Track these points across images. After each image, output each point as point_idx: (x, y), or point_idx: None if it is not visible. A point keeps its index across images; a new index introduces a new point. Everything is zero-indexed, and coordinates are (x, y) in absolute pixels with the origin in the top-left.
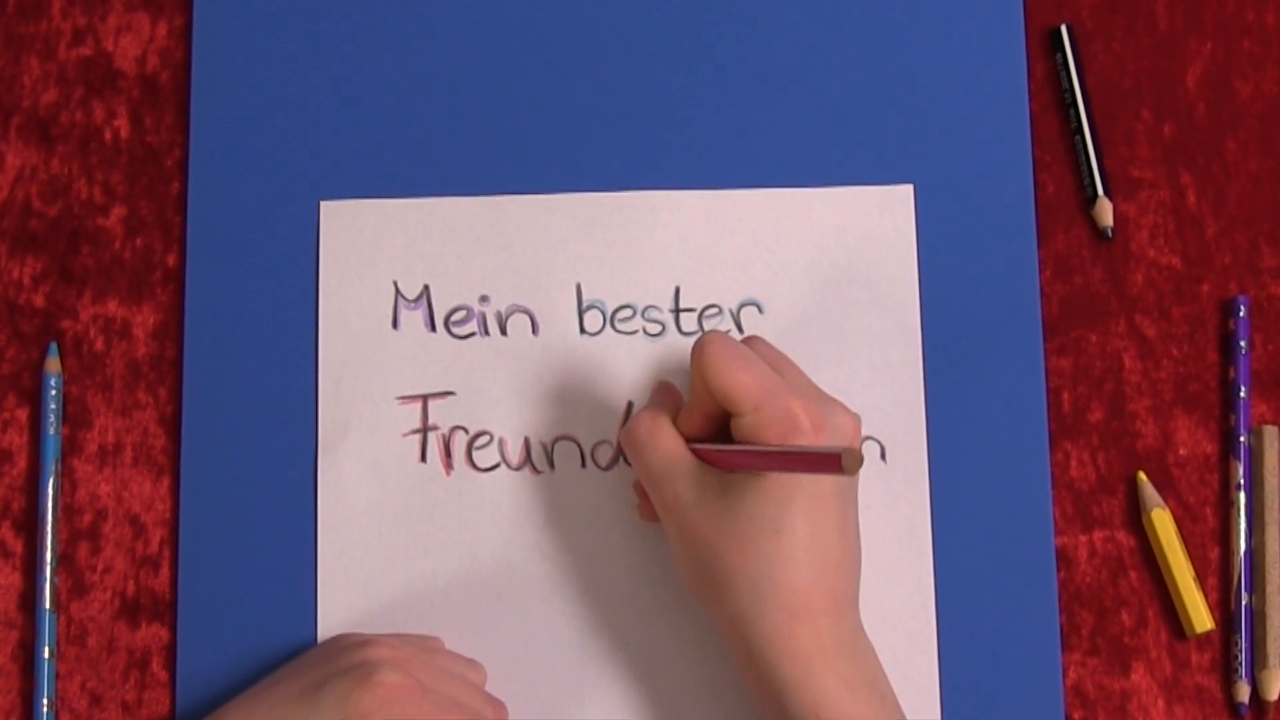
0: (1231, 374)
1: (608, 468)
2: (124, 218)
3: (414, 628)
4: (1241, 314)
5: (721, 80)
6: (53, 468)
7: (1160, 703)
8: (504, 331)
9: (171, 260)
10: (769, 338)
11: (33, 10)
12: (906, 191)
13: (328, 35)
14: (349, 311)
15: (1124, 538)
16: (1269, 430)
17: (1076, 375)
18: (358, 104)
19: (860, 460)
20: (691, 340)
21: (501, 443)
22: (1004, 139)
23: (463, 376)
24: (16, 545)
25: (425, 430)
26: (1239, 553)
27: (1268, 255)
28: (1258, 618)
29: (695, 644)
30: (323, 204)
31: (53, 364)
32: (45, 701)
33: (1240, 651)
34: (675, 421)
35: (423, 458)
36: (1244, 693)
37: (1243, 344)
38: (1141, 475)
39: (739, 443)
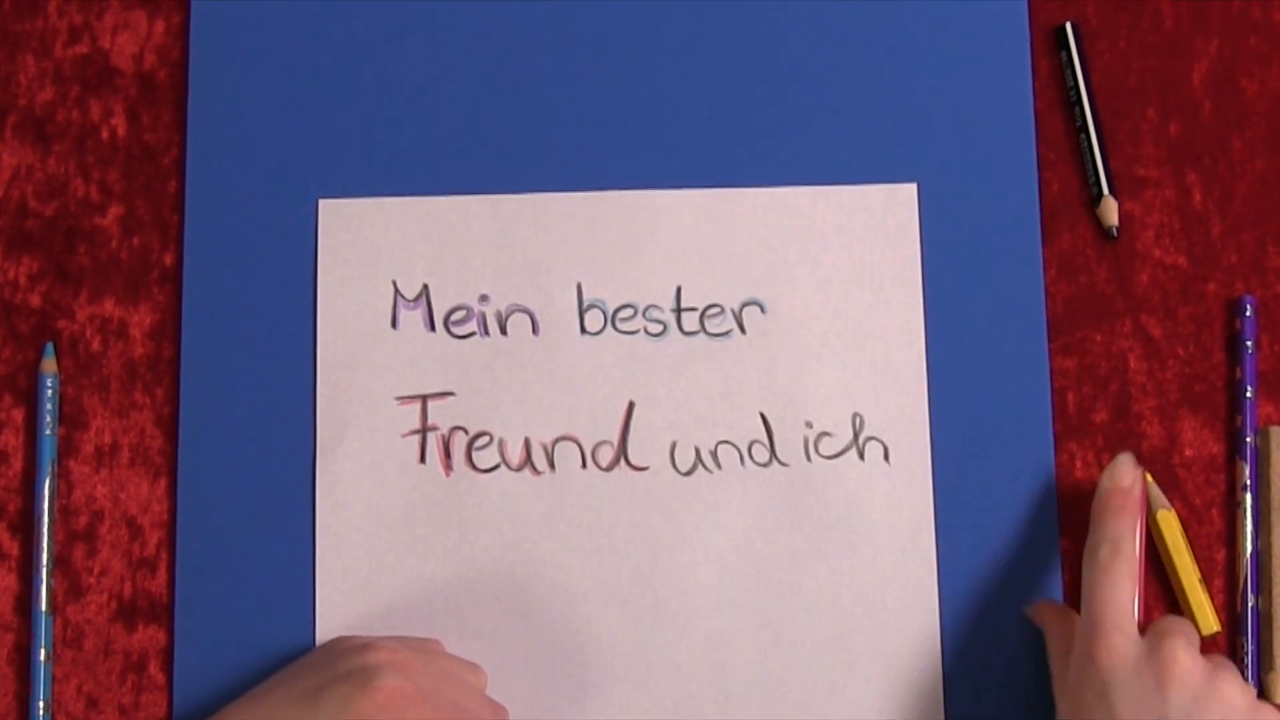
0: (1238, 374)
1: (608, 468)
2: (121, 217)
3: (413, 630)
4: (1248, 314)
5: (724, 78)
6: (49, 469)
7: None
8: (504, 331)
9: (169, 260)
10: (770, 337)
11: (28, 8)
12: (910, 190)
13: (326, 33)
14: (348, 311)
15: None
16: (1276, 431)
17: (1081, 375)
18: (356, 102)
19: None
20: (692, 340)
21: (501, 443)
22: (1008, 137)
23: (462, 377)
24: (12, 547)
25: (424, 431)
26: (1245, 554)
27: (1274, 255)
28: (1264, 620)
29: (696, 645)
30: (321, 203)
31: (49, 364)
32: (41, 705)
33: (1247, 654)
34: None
35: (422, 458)
36: None
37: (1249, 344)
38: (1147, 476)
39: None
